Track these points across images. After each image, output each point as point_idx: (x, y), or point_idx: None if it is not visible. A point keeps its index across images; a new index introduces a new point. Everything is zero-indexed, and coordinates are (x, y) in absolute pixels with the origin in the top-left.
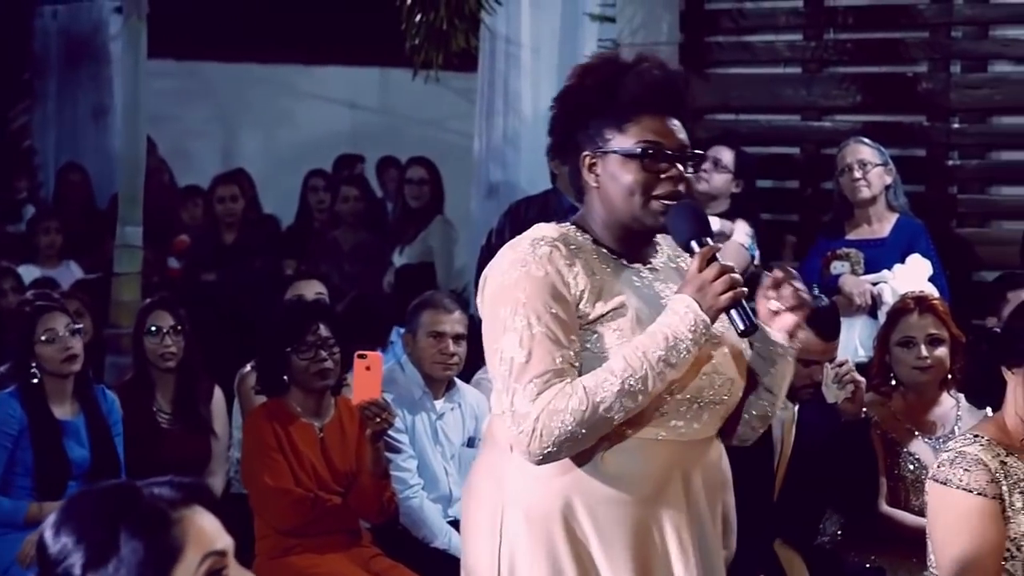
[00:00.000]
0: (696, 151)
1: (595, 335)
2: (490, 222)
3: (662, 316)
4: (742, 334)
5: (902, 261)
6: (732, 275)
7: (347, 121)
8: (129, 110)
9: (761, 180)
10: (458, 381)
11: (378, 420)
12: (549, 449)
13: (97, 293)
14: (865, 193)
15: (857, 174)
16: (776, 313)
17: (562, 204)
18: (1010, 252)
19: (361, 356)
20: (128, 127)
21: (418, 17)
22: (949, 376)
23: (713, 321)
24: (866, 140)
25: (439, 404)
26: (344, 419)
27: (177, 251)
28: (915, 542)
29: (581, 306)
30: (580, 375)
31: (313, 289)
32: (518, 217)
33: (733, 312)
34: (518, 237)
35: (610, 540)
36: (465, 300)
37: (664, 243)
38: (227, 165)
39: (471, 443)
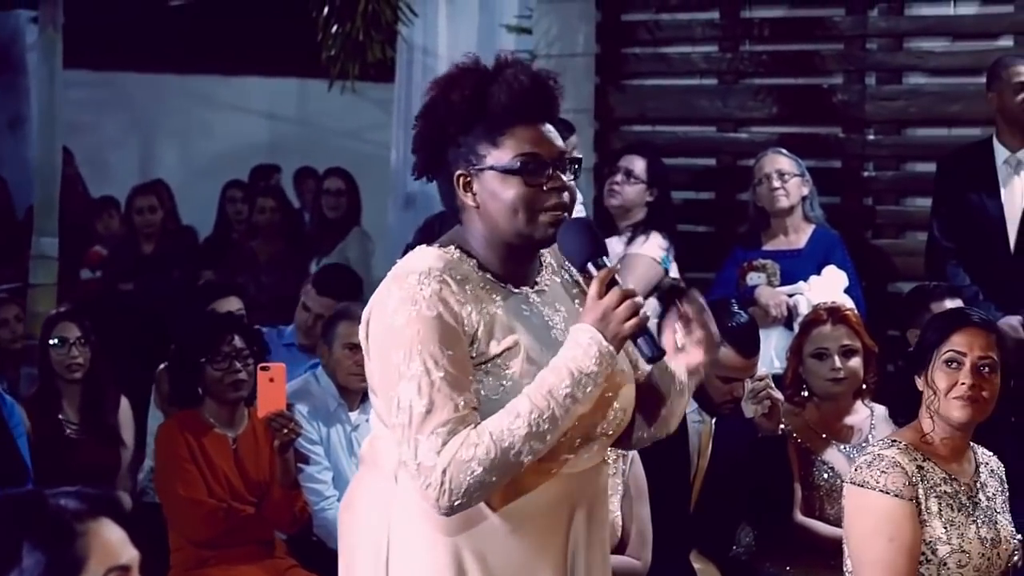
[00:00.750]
0: (574, 156)
1: (488, 376)
2: (407, 233)
3: (565, 349)
4: (649, 361)
5: (818, 272)
6: (635, 300)
7: (265, 132)
8: (45, 120)
9: (677, 191)
10: None
11: (285, 431)
12: (459, 501)
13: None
14: (784, 203)
15: (776, 184)
16: (681, 348)
17: None
18: (924, 263)
19: (264, 368)
20: (44, 137)
21: (334, 28)
22: (863, 386)
23: (618, 350)
24: (783, 151)
25: (354, 415)
26: (258, 429)
27: (91, 263)
28: (830, 551)
29: (475, 345)
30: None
31: (232, 306)
32: (431, 233)
33: (640, 339)
34: (401, 267)
35: (516, 572)
36: None
37: (549, 255)
38: (144, 176)
39: None
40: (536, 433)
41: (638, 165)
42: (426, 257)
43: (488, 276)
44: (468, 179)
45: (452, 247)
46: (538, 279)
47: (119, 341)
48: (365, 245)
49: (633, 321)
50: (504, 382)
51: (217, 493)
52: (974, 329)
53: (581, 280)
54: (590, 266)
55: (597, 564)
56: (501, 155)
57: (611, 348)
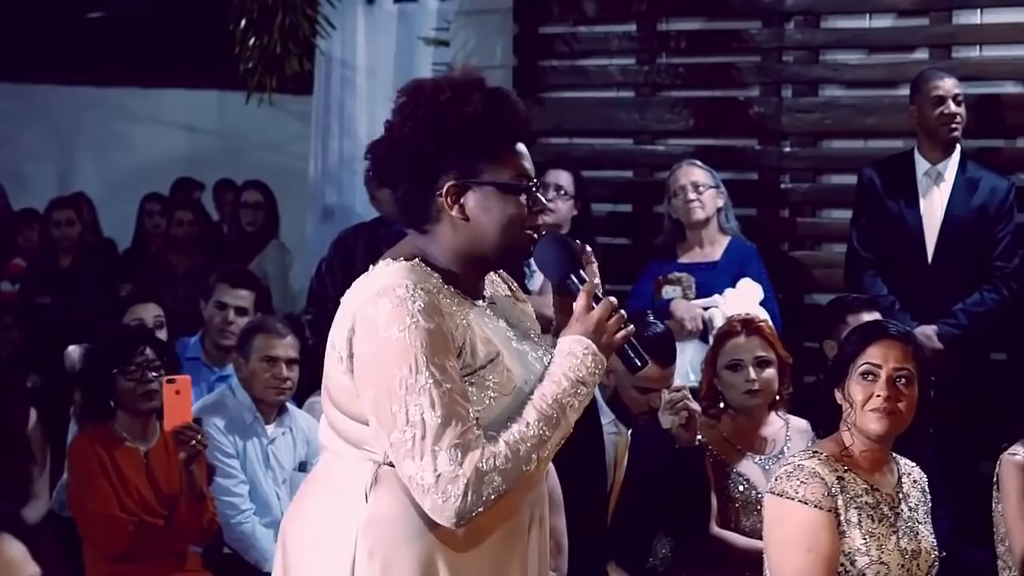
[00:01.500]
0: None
1: (473, 387)
2: (326, 246)
3: (561, 358)
4: (635, 370)
5: (733, 285)
6: (621, 311)
7: (184, 144)
8: None
9: (595, 204)
10: (290, 405)
11: (192, 444)
12: (477, 511)
13: None
14: (699, 214)
15: (691, 195)
16: None
17: (391, 232)
18: (841, 274)
19: (170, 381)
20: None
21: (252, 40)
22: (777, 397)
23: (607, 359)
24: (698, 163)
25: (270, 429)
26: (169, 443)
27: (12, 274)
28: (746, 563)
29: (462, 358)
30: None
31: (151, 312)
32: (346, 246)
33: (627, 348)
34: (381, 282)
35: None
36: (300, 324)
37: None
38: (64, 188)
39: (302, 467)
40: (543, 441)
41: (565, 179)
42: (401, 271)
43: (452, 290)
44: (459, 191)
45: (416, 260)
46: (485, 293)
47: (36, 355)
48: (283, 258)
49: (623, 332)
50: (490, 393)
51: (129, 507)
52: (890, 341)
53: (514, 290)
54: (571, 280)
55: (545, 565)
56: (500, 172)
57: (603, 357)
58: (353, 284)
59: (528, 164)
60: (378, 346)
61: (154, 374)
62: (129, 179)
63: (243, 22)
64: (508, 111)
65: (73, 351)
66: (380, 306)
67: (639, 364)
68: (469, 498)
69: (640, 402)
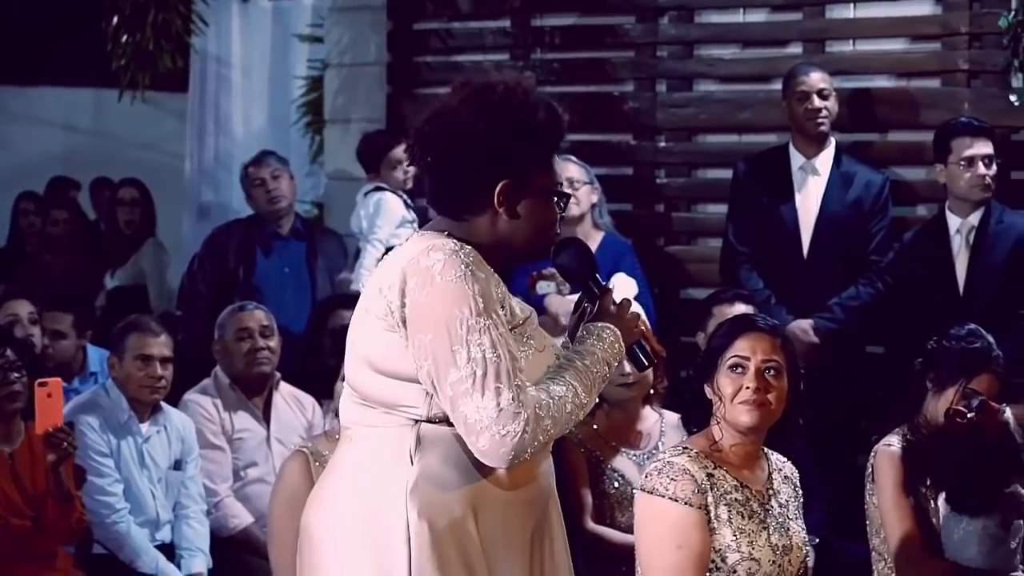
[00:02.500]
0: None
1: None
2: (201, 244)
3: (595, 340)
4: (641, 368)
5: (607, 280)
6: (640, 313)
7: (61, 143)
8: None
9: None
10: (164, 404)
11: (63, 446)
12: (528, 451)
13: None
14: (574, 211)
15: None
16: None
17: (265, 231)
18: (716, 269)
19: (42, 384)
20: None
21: (124, 38)
22: (652, 391)
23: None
24: (573, 158)
25: (145, 427)
26: (34, 443)
27: None
28: (621, 558)
29: (504, 312)
30: None
31: (25, 309)
32: (218, 244)
33: (636, 348)
34: (422, 243)
35: (511, 543)
36: (173, 322)
37: None
38: None
39: (177, 466)
40: (581, 406)
41: None
42: (436, 239)
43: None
44: (514, 191)
45: (449, 238)
46: None
47: None
48: (160, 256)
49: (638, 331)
50: (528, 348)
51: None
52: (757, 333)
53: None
54: (593, 281)
55: (560, 550)
56: (547, 179)
57: (623, 348)
58: (388, 255)
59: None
60: (437, 290)
61: (16, 375)
62: (4, 178)
63: (115, 19)
64: (562, 122)
65: None
66: (433, 257)
67: (646, 364)
68: (527, 435)
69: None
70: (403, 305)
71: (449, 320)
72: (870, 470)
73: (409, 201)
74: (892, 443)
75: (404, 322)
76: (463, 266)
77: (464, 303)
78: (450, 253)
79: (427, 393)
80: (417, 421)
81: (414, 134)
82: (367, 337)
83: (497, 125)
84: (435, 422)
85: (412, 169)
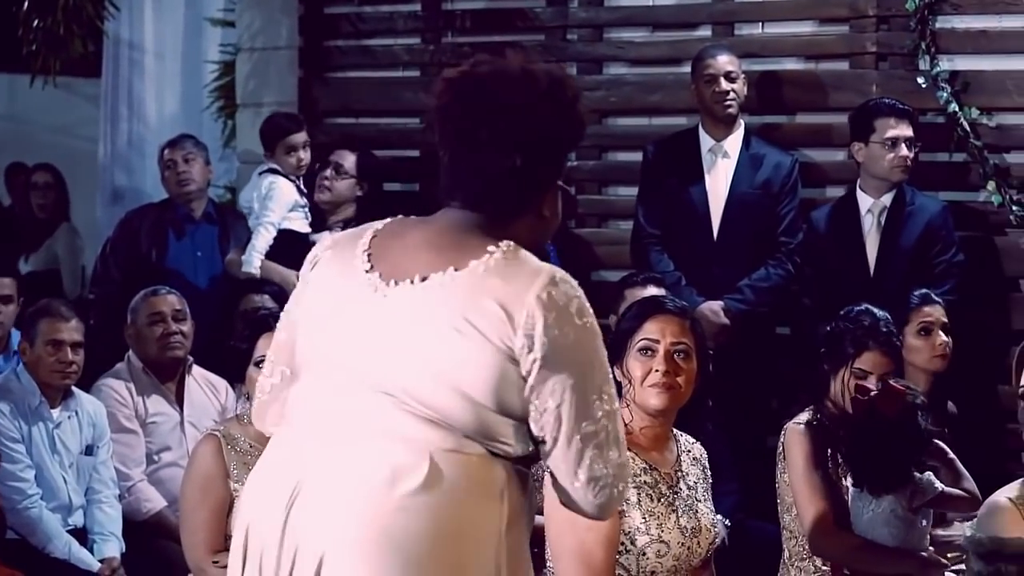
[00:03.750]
0: None
1: None
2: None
3: None
4: None
5: None
6: None
7: None
8: None
9: (384, 183)
10: (75, 389)
11: None
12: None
13: None
14: None
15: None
16: None
17: (178, 214)
18: (627, 251)
19: None
20: None
21: (35, 22)
22: None
23: None
24: None
25: (56, 413)
26: None
27: None
28: (534, 540)
29: None
30: None
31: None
32: (131, 228)
33: None
34: (538, 267)
35: None
36: (85, 307)
37: None
38: None
39: (89, 451)
40: None
41: (348, 160)
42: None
43: None
44: (555, 190)
45: (509, 244)
46: None
47: None
48: (74, 241)
49: None
50: None
51: None
52: (666, 316)
53: None
54: None
55: None
56: (558, 176)
57: None
58: (477, 270)
59: None
60: (578, 333)
61: None
62: None
63: (26, 4)
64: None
65: None
66: (567, 292)
67: None
68: (622, 488)
69: None
70: (532, 339)
71: (590, 367)
72: (781, 448)
73: (302, 187)
74: (801, 421)
75: (532, 358)
76: (589, 309)
77: (601, 349)
78: (576, 288)
79: (517, 430)
80: (505, 456)
81: (453, 121)
82: (461, 358)
83: (562, 120)
84: (517, 460)
85: (307, 157)
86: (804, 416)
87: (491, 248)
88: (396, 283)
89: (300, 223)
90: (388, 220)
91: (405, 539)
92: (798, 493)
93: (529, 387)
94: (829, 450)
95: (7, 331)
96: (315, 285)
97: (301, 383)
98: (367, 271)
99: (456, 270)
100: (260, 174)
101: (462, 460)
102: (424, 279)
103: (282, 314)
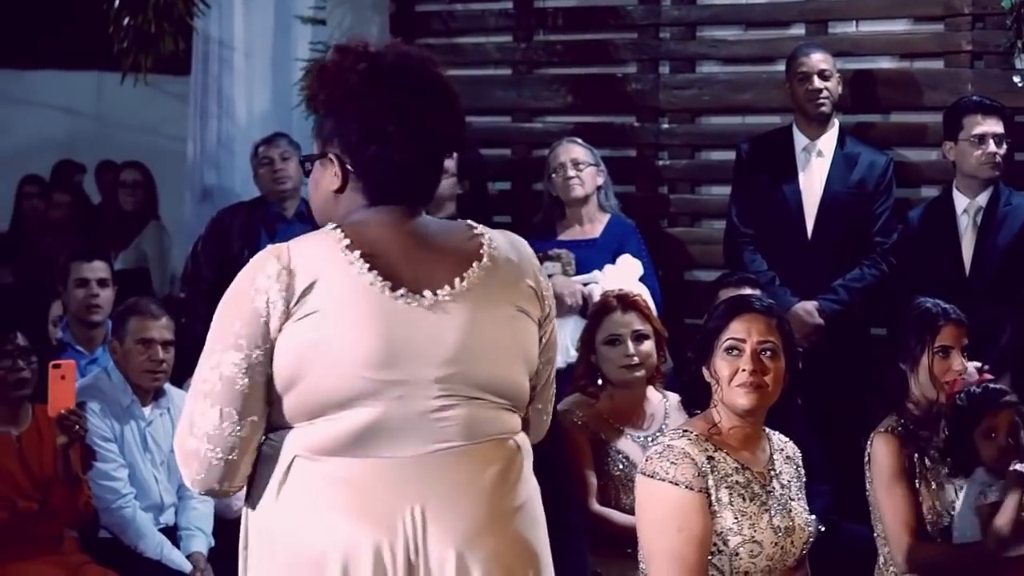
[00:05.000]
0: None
1: None
2: (204, 226)
3: None
4: None
5: (613, 261)
6: None
7: (62, 127)
8: None
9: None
10: (167, 386)
11: (75, 429)
12: None
13: None
14: (578, 191)
15: (571, 172)
16: None
17: (269, 213)
18: (719, 251)
19: (56, 366)
20: None
21: (126, 20)
22: (656, 372)
23: None
24: (578, 140)
25: (147, 411)
26: (42, 426)
27: None
28: (626, 540)
29: None
30: None
31: (97, 275)
32: (222, 227)
33: None
34: (524, 241)
35: None
36: (175, 305)
37: None
38: None
39: None
40: None
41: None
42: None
43: None
44: None
45: None
46: None
47: None
48: (162, 239)
49: None
50: None
51: (1, 491)
52: (752, 315)
53: None
54: None
55: None
56: None
57: None
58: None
59: None
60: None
61: (24, 361)
62: (4, 163)
63: (117, 2)
64: None
65: None
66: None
67: None
68: None
69: None
70: (547, 302)
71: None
72: (867, 458)
73: None
74: (886, 429)
75: (550, 318)
76: None
77: None
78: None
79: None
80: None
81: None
82: (527, 338)
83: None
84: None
85: None
86: (887, 423)
87: (476, 231)
88: (433, 292)
89: None
90: (334, 232)
91: (533, 535)
92: (881, 503)
93: (543, 344)
94: (916, 455)
95: (107, 317)
96: (317, 322)
97: (367, 412)
98: (391, 290)
99: (479, 264)
100: None
101: (525, 437)
102: (461, 279)
103: (227, 362)
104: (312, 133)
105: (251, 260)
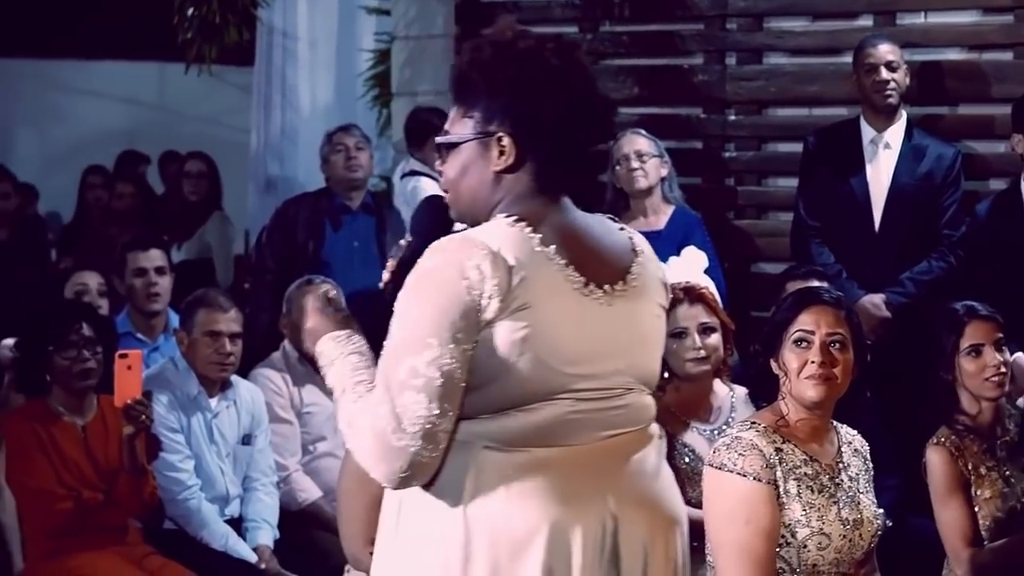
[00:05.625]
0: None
1: None
2: (267, 217)
3: None
4: None
5: (678, 253)
6: None
7: (124, 117)
8: None
9: None
10: (234, 377)
11: (141, 419)
12: None
13: None
14: (642, 183)
15: (635, 164)
16: None
17: (334, 204)
18: (786, 243)
19: (123, 356)
20: None
21: (190, 11)
22: (722, 365)
23: None
24: (642, 131)
25: (214, 402)
26: (107, 416)
27: None
28: (693, 533)
29: None
30: None
31: (95, 280)
32: (287, 217)
33: None
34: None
35: None
36: (241, 295)
37: None
38: (1, 162)
39: (246, 440)
40: None
41: None
42: None
43: None
44: None
45: None
46: None
47: None
48: (226, 229)
49: None
50: None
51: (67, 481)
52: (821, 307)
53: None
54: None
55: None
56: None
57: None
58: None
59: None
60: None
61: (89, 352)
62: (67, 153)
63: None
64: None
65: (6, 346)
66: None
67: None
68: None
69: None
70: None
71: None
72: (924, 468)
73: None
74: (938, 441)
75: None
76: None
77: None
78: None
79: None
80: None
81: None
82: (663, 331)
83: None
84: None
85: None
86: (941, 433)
87: (620, 225)
88: (611, 287)
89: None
90: (518, 223)
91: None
92: (938, 512)
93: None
94: (970, 464)
95: (167, 305)
96: (526, 317)
97: (563, 404)
98: (584, 284)
99: (636, 259)
100: (402, 178)
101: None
102: (629, 274)
103: (446, 356)
104: (457, 112)
105: (445, 249)
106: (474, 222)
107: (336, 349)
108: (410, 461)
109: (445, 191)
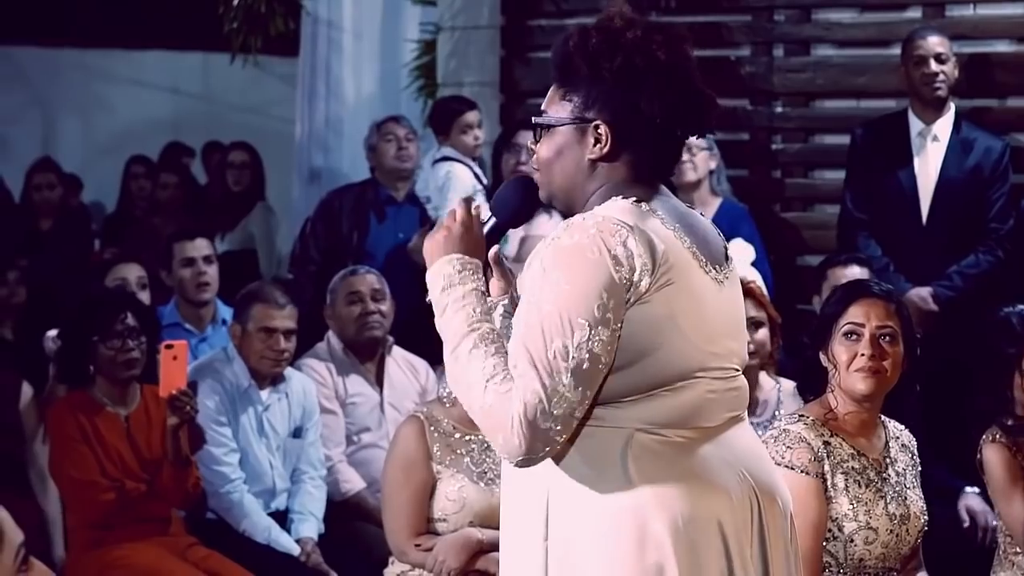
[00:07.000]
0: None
1: None
2: (311, 208)
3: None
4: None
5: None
6: None
7: (168, 107)
8: None
9: None
10: (287, 370)
11: (186, 410)
12: None
13: None
14: (691, 176)
15: (684, 156)
16: None
17: (379, 195)
18: (833, 236)
19: (168, 346)
20: None
21: (236, 1)
22: (769, 358)
23: None
24: None
25: (265, 394)
26: (150, 407)
27: None
28: None
29: None
30: None
31: (134, 273)
32: (331, 208)
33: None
34: None
35: None
36: (285, 286)
37: None
38: (46, 152)
39: (297, 433)
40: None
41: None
42: None
43: None
44: None
45: None
46: None
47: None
48: (269, 220)
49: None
50: None
51: (110, 472)
52: (871, 299)
53: None
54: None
55: None
56: None
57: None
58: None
59: None
60: None
61: (134, 342)
62: (111, 143)
63: None
64: None
65: (51, 337)
66: None
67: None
68: None
69: None
70: None
71: None
72: (979, 465)
73: (477, 170)
74: (993, 438)
75: None
76: None
77: None
78: None
79: None
80: None
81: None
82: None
83: None
84: None
85: (483, 135)
86: (995, 430)
87: (697, 209)
88: (720, 268)
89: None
90: (638, 204)
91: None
92: (999, 509)
93: None
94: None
95: (215, 294)
96: (669, 296)
97: (702, 384)
98: (704, 266)
99: (727, 244)
100: (433, 164)
101: None
102: (727, 257)
103: (596, 338)
104: (556, 93)
105: (584, 227)
106: (565, 206)
107: (458, 278)
108: (550, 445)
109: (536, 170)
